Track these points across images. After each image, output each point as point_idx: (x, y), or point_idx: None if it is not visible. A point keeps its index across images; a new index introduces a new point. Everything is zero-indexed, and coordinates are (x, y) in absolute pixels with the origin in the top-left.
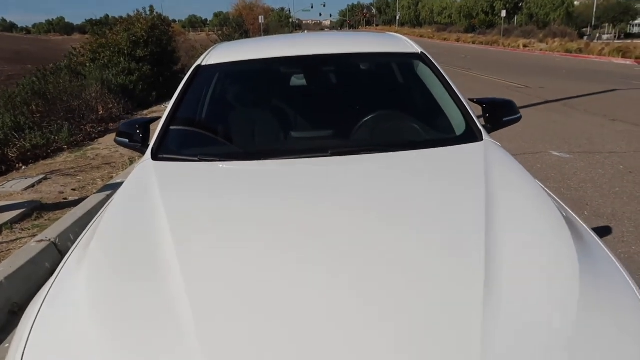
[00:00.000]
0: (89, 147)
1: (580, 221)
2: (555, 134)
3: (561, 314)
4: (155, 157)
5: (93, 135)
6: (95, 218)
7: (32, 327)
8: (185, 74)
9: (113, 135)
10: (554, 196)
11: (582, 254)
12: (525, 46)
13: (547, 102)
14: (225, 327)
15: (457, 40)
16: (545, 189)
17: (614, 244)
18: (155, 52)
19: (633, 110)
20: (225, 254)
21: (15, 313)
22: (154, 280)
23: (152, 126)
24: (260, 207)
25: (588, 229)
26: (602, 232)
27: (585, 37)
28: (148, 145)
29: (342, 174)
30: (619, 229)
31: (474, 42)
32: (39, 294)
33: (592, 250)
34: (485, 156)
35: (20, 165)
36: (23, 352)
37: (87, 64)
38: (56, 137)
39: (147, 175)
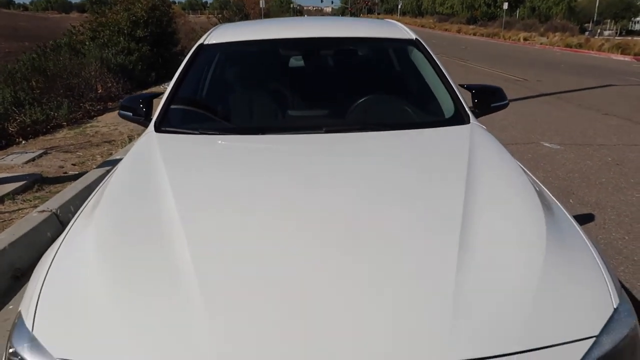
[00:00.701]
0: (88, 125)
1: (553, 197)
2: (548, 126)
3: (527, 271)
4: (158, 129)
5: (92, 113)
6: (101, 184)
7: (44, 281)
8: (185, 56)
9: (112, 114)
10: (532, 175)
11: (550, 224)
12: (525, 39)
13: (543, 95)
14: (223, 276)
15: (458, 32)
16: (523, 167)
17: (595, 231)
18: (155, 33)
19: (626, 106)
20: (225, 215)
21: (17, 278)
22: (158, 238)
23: (154, 101)
24: (258, 177)
25: (559, 204)
26: (585, 219)
27: (587, 33)
28: (150, 119)
29: (335, 150)
30: (601, 217)
31: (474, 34)
32: (48, 251)
33: (560, 221)
34: (470, 137)
35: (20, 139)
36: (37, 302)
37: (87, 43)
38: (55, 114)
39: (150, 146)
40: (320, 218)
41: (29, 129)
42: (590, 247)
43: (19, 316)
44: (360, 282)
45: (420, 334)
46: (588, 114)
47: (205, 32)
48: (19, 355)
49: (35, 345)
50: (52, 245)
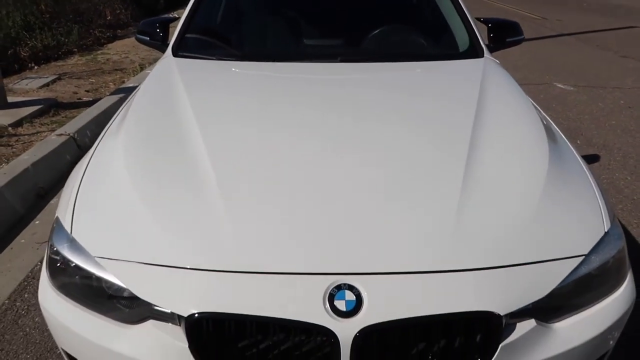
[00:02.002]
0: (99, 52)
1: (557, 129)
2: (563, 67)
3: (527, 193)
4: (175, 54)
5: (102, 40)
6: (124, 103)
7: (79, 188)
8: None
9: (122, 42)
10: (540, 109)
11: (553, 152)
12: None
13: (561, 35)
14: (241, 180)
15: None
16: (533, 102)
17: (599, 171)
18: None
19: None
20: (242, 128)
21: (41, 196)
22: (181, 147)
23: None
24: (274, 99)
25: (562, 136)
26: (590, 159)
27: None
28: (167, 44)
29: (350, 78)
30: (606, 158)
31: None
32: (80, 161)
33: (562, 150)
34: (483, 70)
35: (33, 64)
36: (74, 207)
37: None
38: (66, 40)
39: (170, 69)
40: (335, 134)
41: (40, 54)
42: (589, 177)
43: (57, 221)
44: (371, 187)
45: (424, 238)
46: (606, 55)
47: None
48: (60, 253)
49: (74, 245)
50: (84, 157)
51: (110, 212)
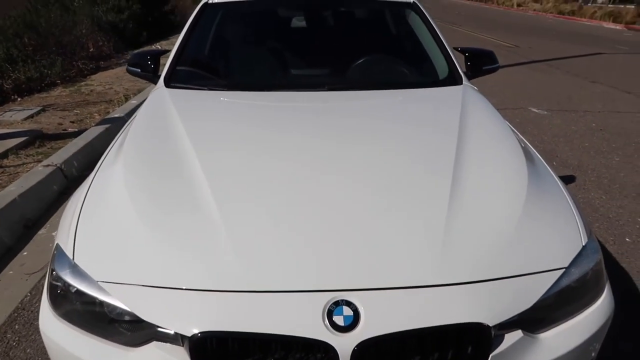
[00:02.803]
0: (83, 83)
1: (535, 151)
2: (537, 92)
3: (508, 212)
4: (167, 84)
5: (85, 72)
6: (121, 131)
7: (79, 214)
8: (175, 15)
9: (105, 73)
10: (517, 132)
11: (531, 173)
12: (519, 5)
13: (533, 61)
14: (238, 199)
15: None
16: (510, 125)
17: (575, 191)
18: None
19: (613, 74)
20: (235, 152)
21: (29, 227)
22: (178, 171)
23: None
24: (266, 125)
25: (540, 157)
26: (566, 180)
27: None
28: (159, 76)
29: (336, 106)
30: (581, 178)
31: None
32: (79, 188)
33: (540, 171)
34: (462, 97)
35: (16, 97)
36: (75, 233)
37: None
38: (49, 72)
39: (163, 98)
40: (326, 158)
41: (23, 86)
42: (566, 195)
43: (57, 247)
44: (364, 209)
45: (416, 255)
46: (576, 81)
47: None
48: (62, 279)
49: (76, 270)
50: (82, 185)
51: (112, 237)
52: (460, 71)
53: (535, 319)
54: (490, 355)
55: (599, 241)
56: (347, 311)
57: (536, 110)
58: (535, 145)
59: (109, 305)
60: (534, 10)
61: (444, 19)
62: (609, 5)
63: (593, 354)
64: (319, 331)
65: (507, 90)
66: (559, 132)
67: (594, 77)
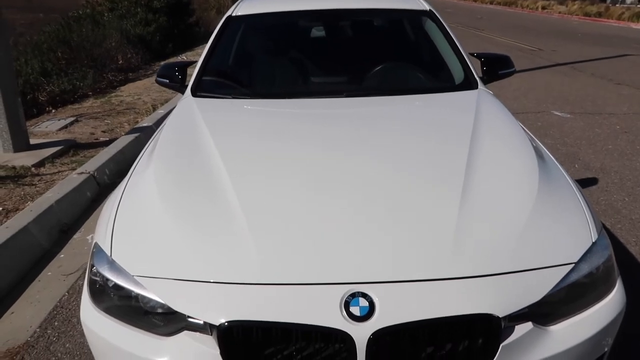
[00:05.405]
0: (112, 94)
1: (548, 153)
2: (560, 95)
3: (520, 210)
4: (194, 94)
5: (114, 83)
6: (151, 139)
7: (115, 215)
8: (199, 27)
9: (134, 84)
10: (531, 134)
11: (543, 173)
12: (544, 8)
13: (557, 64)
14: (261, 198)
15: (475, 0)
16: (524, 128)
17: (597, 193)
18: (171, 4)
19: (639, 75)
20: (259, 159)
21: (64, 232)
22: (207, 174)
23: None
24: (288, 131)
25: (552, 158)
26: (588, 182)
27: (607, 0)
28: (186, 86)
29: (355, 111)
30: (604, 181)
31: (491, 2)
32: (114, 192)
33: (552, 171)
34: (477, 101)
35: (50, 108)
36: (112, 232)
37: (106, 14)
38: (81, 84)
39: (190, 108)
40: (345, 160)
41: (57, 98)
42: (577, 193)
43: (96, 246)
44: (380, 208)
45: (429, 250)
46: (600, 83)
47: (220, 4)
48: (101, 274)
49: (114, 266)
50: (117, 188)
51: (145, 236)
52: (475, 76)
53: (545, 312)
54: (501, 345)
55: (621, 243)
56: (363, 302)
57: (559, 114)
58: (557, 149)
59: (143, 297)
60: (559, 12)
61: (466, 24)
62: (638, 6)
63: (606, 349)
64: (337, 321)
65: (530, 93)
66: (582, 135)
67: (619, 79)
